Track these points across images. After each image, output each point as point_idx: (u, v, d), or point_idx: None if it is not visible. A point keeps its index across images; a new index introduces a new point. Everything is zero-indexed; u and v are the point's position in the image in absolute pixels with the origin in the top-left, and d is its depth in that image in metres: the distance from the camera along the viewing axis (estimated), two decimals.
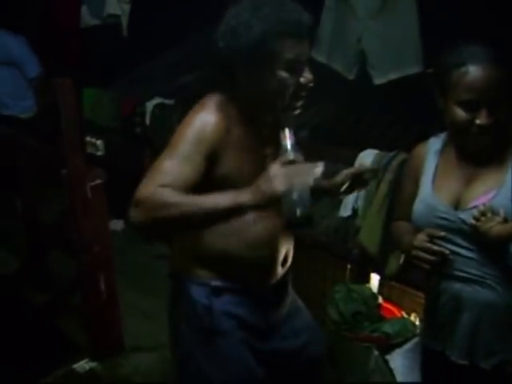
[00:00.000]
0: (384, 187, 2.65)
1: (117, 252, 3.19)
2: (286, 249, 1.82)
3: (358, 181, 1.80)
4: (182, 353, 1.87)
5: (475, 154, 1.65)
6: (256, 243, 1.71)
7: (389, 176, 2.64)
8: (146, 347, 3.22)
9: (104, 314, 3.08)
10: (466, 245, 1.65)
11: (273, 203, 1.48)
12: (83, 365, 3.09)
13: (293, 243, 1.88)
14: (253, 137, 1.68)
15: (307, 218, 1.49)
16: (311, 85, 1.62)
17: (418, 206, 1.74)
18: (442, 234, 1.64)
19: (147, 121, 4.07)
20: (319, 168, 1.47)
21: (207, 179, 1.57)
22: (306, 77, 1.61)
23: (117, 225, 4.37)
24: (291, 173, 1.46)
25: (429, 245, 1.63)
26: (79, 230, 2.86)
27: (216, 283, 1.75)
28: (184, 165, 1.53)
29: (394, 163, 2.64)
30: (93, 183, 2.80)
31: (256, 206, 1.49)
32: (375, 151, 2.91)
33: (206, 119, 1.58)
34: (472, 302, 1.67)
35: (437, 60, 1.66)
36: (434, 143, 1.79)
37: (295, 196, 1.45)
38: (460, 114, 1.56)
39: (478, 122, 1.54)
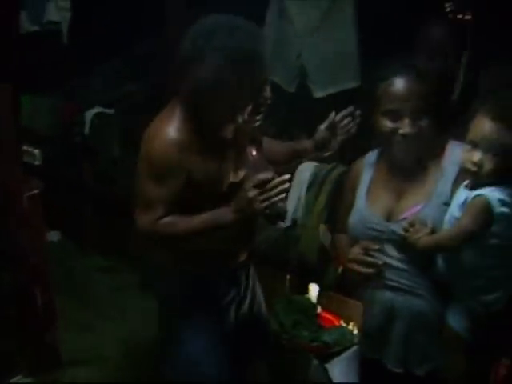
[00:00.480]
0: (323, 198, 2.72)
1: (54, 264, 3.14)
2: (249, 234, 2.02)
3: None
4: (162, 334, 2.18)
5: (404, 167, 1.73)
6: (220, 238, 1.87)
7: (327, 187, 2.71)
8: (84, 360, 3.18)
9: (41, 328, 3.02)
10: (397, 256, 1.72)
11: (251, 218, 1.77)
12: (19, 380, 3.01)
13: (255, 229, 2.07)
14: (217, 141, 1.82)
15: (281, 215, 1.83)
16: (269, 101, 1.76)
17: (353, 218, 1.80)
18: (376, 246, 1.70)
19: (86, 130, 4.01)
20: (286, 179, 1.67)
21: (188, 185, 1.77)
22: (265, 96, 1.75)
23: (54, 236, 4.28)
24: (265, 193, 1.66)
25: (363, 257, 1.69)
26: (14, 242, 2.79)
27: (187, 268, 1.95)
28: (165, 190, 1.74)
29: (333, 175, 2.71)
30: (29, 193, 2.74)
31: (237, 223, 1.75)
32: (314, 163, 2.97)
33: (169, 139, 1.72)
34: (404, 312, 1.74)
35: (366, 77, 1.77)
36: (370, 156, 1.86)
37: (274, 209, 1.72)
38: (385, 123, 1.65)
39: (401, 130, 1.62)
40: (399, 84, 1.64)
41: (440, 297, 1.71)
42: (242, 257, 2.06)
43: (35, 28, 4.73)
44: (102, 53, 5.14)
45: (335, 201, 2.49)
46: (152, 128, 1.77)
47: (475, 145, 1.53)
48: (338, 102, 2.77)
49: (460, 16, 2.99)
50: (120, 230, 4.11)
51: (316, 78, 2.90)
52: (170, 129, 1.73)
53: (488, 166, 1.51)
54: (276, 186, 1.66)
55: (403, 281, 1.72)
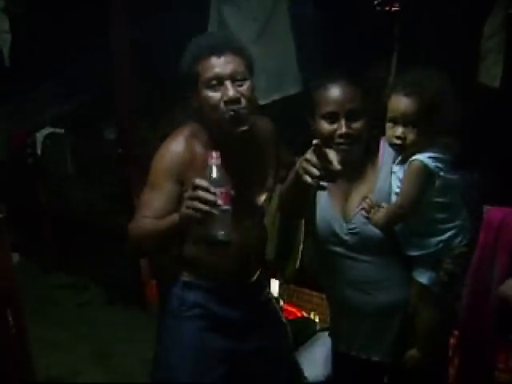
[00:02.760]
0: (276, 199, 2.84)
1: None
2: (251, 253, 1.99)
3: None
4: (160, 341, 2.06)
5: (348, 169, 1.87)
6: (219, 249, 1.82)
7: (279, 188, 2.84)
8: (58, 377, 3.25)
9: (15, 350, 3.05)
10: (359, 253, 1.84)
11: (188, 224, 1.67)
12: None
13: (261, 248, 2.11)
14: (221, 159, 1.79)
15: (223, 241, 1.62)
16: (238, 99, 1.77)
17: (320, 219, 1.90)
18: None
19: (38, 151, 4.06)
20: (213, 199, 1.56)
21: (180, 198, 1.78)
22: (228, 93, 1.76)
23: (12, 258, 4.29)
24: (193, 199, 1.57)
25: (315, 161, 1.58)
26: None
27: (189, 279, 1.98)
28: (158, 195, 1.84)
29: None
30: None
31: (181, 227, 1.71)
32: None
33: (171, 151, 1.86)
34: (372, 309, 1.86)
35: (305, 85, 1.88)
36: None
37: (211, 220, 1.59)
38: (324, 126, 1.79)
39: (338, 131, 1.77)
40: (334, 88, 1.78)
41: (407, 282, 1.82)
42: (244, 277, 2.02)
43: None
44: (41, 74, 5.17)
45: None
46: (161, 144, 1.91)
47: (395, 121, 1.70)
48: (282, 107, 2.95)
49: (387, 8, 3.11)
50: (78, 246, 4.19)
51: (259, 86, 3.01)
52: (174, 143, 1.87)
53: (410, 137, 1.68)
54: (205, 200, 1.56)
55: (369, 276, 1.84)
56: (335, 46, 2.84)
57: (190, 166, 1.84)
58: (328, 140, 1.78)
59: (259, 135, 1.99)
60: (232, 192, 1.64)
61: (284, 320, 2.21)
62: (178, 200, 1.79)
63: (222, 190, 1.59)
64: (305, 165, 1.55)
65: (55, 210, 4.33)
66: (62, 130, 4.06)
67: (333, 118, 1.77)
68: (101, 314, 3.89)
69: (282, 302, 3.16)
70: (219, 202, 1.58)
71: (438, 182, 1.69)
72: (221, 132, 1.83)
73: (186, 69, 1.83)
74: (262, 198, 2.02)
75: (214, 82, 1.78)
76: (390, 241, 1.80)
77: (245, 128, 1.80)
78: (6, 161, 4.33)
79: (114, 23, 3.42)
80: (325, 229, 1.89)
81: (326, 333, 2.65)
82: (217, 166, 1.61)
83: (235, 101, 1.77)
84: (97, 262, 4.10)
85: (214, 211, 1.56)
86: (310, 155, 1.55)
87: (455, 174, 1.74)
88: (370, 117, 1.81)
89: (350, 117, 1.77)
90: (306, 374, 2.61)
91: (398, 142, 1.71)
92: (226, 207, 1.60)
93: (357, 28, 3.05)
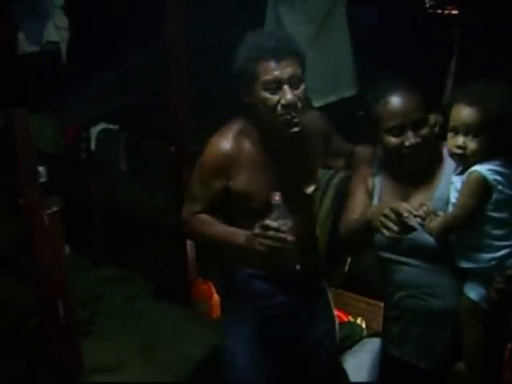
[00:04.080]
0: (327, 202, 2.79)
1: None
2: (305, 241, 2.07)
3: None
4: (225, 333, 2.20)
5: (408, 174, 1.86)
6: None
7: (331, 191, 2.79)
8: (105, 368, 3.30)
9: (64, 339, 3.14)
10: (412, 258, 1.84)
11: (254, 255, 1.82)
12: None
13: (314, 235, 2.20)
14: (268, 158, 1.96)
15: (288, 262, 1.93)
16: (295, 104, 1.83)
17: None
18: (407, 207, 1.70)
19: (92, 146, 4.13)
20: (288, 238, 1.74)
21: (228, 192, 1.98)
22: (286, 97, 1.81)
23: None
24: (265, 238, 1.75)
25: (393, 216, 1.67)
26: (37, 258, 2.91)
27: (251, 271, 2.08)
28: (207, 192, 1.99)
29: (336, 180, 2.82)
30: (49, 211, 2.87)
31: (245, 252, 1.87)
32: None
33: (219, 149, 1.95)
34: (424, 314, 1.86)
35: (363, 99, 1.88)
36: (375, 166, 1.98)
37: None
38: (390, 140, 1.78)
39: (406, 143, 1.76)
40: (396, 100, 1.77)
41: (458, 291, 1.80)
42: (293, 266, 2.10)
43: (33, 48, 4.87)
44: (97, 68, 5.28)
45: (339, 205, 2.59)
46: (211, 139, 1.99)
47: (456, 130, 1.69)
48: (338, 111, 2.93)
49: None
50: (127, 241, 4.26)
51: (315, 87, 3.00)
52: (222, 141, 1.95)
53: (471, 146, 1.66)
54: (277, 239, 1.74)
55: (421, 282, 1.84)
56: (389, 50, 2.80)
57: (237, 163, 1.95)
58: (396, 152, 1.79)
59: (309, 131, 2.03)
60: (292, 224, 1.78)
61: (335, 317, 2.34)
62: (225, 195, 1.98)
63: (288, 225, 1.76)
64: (383, 219, 1.65)
65: (106, 205, 4.41)
66: (116, 126, 4.12)
67: (398, 130, 1.77)
68: (147, 308, 3.94)
69: None
70: (288, 237, 1.74)
71: (495, 196, 1.66)
72: (273, 132, 1.91)
73: (244, 68, 1.86)
74: (311, 188, 2.11)
75: (273, 85, 1.82)
76: (444, 249, 1.78)
77: (297, 130, 1.87)
78: (61, 155, 4.41)
79: (171, 19, 3.43)
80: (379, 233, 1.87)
81: (373, 339, 2.65)
82: (280, 205, 1.77)
83: (292, 105, 1.82)
84: (145, 257, 4.16)
85: (286, 246, 1.75)
86: (387, 211, 1.65)
87: None
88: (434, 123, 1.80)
89: (416, 126, 1.76)
90: (352, 379, 2.60)
91: (459, 151, 1.69)
92: (292, 239, 1.76)
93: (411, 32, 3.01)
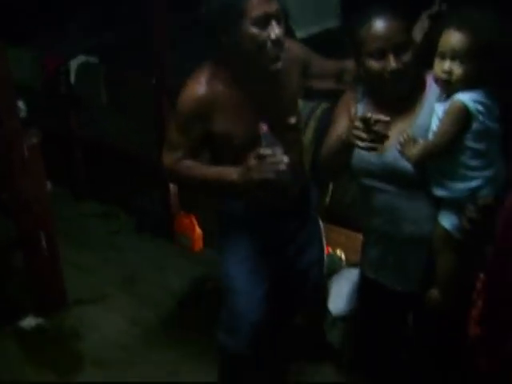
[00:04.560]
0: (309, 133, 2.83)
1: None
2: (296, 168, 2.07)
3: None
4: (223, 258, 2.28)
5: (390, 102, 1.86)
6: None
7: (313, 123, 2.83)
8: (88, 300, 3.37)
9: (47, 271, 3.17)
10: (390, 184, 1.87)
11: (251, 186, 1.84)
12: (29, 321, 3.19)
13: (302, 161, 2.26)
14: (246, 96, 1.96)
15: (287, 188, 1.90)
16: (282, 39, 1.85)
17: (354, 155, 1.92)
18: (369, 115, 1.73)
19: (72, 80, 4.06)
20: (284, 160, 1.77)
21: (209, 135, 1.99)
22: (275, 32, 1.82)
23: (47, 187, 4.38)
24: (261, 166, 1.78)
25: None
26: (18, 190, 2.91)
27: (248, 201, 2.11)
28: (187, 137, 1.98)
29: (318, 112, 2.82)
30: (29, 143, 2.84)
31: (240, 186, 1.88)
32: (300, 101, 3.08)
33: (194, 94, 1.94)
34: (399, 238, 1.91)
35: (348, 23, 1.86)
36: (358, 95, 1.98)
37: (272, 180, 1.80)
38: (372, 64, 1.77)
39: (388, 68, 1.75)
40: (379, 24, 1.75)
41: (433, 218, 1.84)
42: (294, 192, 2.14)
43: None
44: (77, 4, 5.13)
45: (320, 137, 2.60)
46: (186, 83, 1.98)
47: (443, 56, 1.68)
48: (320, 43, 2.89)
49: None
50: (109, 176, 4.25)
51: (297, 18, 2.96)
52: (196, 86, 1.95)
53: (457, 72, 1.66)
54: (274, 163, 1.78)
55: (398, 208, 1.88)
56: None
57: (215, 105, 1.96)
58: (377, 77, 1.78)
59: (284, 62, 1.99)
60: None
61: (324, 241, 2.43)
62: (206, 137, 2.00)
63: (280, 150, 1.80)
64: (355, 131, 1.69)
65: (87, 140, 4.36)
66: (97, 59, 4.04)
67: (380, 54, 1.75)
68: (129, 242, 3.98)
69: None
70: (284, 159, 1.77)
71: (475, 126, 1.67)
72: (253, 69, 1.91)
73: (230, 3, 1.82)
74: (293, 119, 2.10)
75: (262, 20, 1.81)
76: (421, 176, 1.81)
77: (280, 66, 1.89)
78: (40, 89, 4.33)
79: None
80: (356, 158, 1.91)
81: (352, 269, 2.71)
82: (268, 134, 1.81)
83: (281, 40, 1.84)
84: (128, 192, 4.16)
85: (285, 167, 1.77)
86: (358, 122, 1.68)
87: (496, 123, 1.71)
88: (417, 49, 1.79)
89: (398, 51, 1.75)
90: (331, 307, 2.67)
91: (444, 76, 1.69)
92: (288, 161, 1.79)
93: None
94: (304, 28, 2.95)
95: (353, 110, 1.90)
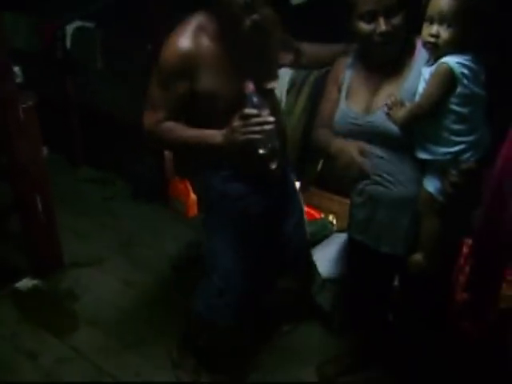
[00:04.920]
0: (302, 100, 2.85)
1: None
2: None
3: None
4: (206, 232, 2.27)
5: (380, 65, 1.89)
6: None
7: (307, 89, 2.84)
8: (84, 263, 3.41)
9: (43, 234, 3.21)
10: (377, 147, 1.91)
11: (237, 149, 1.81)
12: (26, 282, 3.24)
13: (283, 131, 2.20)
14: (231, 53, 1.89)
15: (273, 153, 1.85)
16: None
17: (336, 116, 1.98)
18: (367, 148, 1.90)
19: (68, 44, 4.05)
20: (270, 120, 1.77)
21: (193, 94, 1.90)
22: None
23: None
24: (246, 127, 1.76)
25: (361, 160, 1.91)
26: (14, 153, 2.91)
27: (228, 172, 2.10)
28: (169, 94, 1.89)
29: (311, 78, 2.83)
30: (25, 105, 2.85)
31: (225, 149, 1.86)
32: (291, 70, 3.09)
33: (179, 48, 1.85)
34: (386, 200, 1.95)
35: None
36: (350, 59, 2.02)
37: (259, 140, 1.78)
38: (362, 26, 1.81)
39: (377, 30, 1.78)
40: None
41: (418, 181, 1.89)
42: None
43: None
44: None
45: (314, 103, 2.62)
46: (168, 38, 1.91)
47: (431, 20, 1.71)
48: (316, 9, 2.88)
49: None
50: (106, 142, 4.27)
51: None
52: (181, 39, 1.86)
53: (444, 35, 1.69)
54: (260, 124, 1.76)
55: (384, 170, 1.92)
56: None
57: (199, 61, 1.87)
58: (367, 39, 1.81)
59: (265, 25, 1.96)
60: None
61: (304, 210, 2.44)
62: (189, 96, 1.90)
63: (266, 111, 1.78)
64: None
65: (83, 106, 4.37)
66: (93, 25, 4.02)
67: (371, 16, 1.78)
68: (125, 208, 4.02)
69: None
70: (270, 118, 1.76)
71: (459, 89, 1.70)
72: (233, 20, 1.80)
73: None
74: (272, 83, 2.06)
75: None
76: (407, 139, 1.84)
77: (256, 18, 1.80)
78: (37, 54, 4.31)
79: None
80: (342, 119, 1.96)
81: (342, 234, 2.75)
82: (255, 93, 1.77)
83: None
84: (123, 158, 4.18)
85: (271, 128, 1.76)
86: (237, 122, 1.80)
87: (481, 88, 1.74)
88: (407, 13, 1.81)
89: (389, 14, 1.77)
90: (321, 270, 2.72)
91: (431, 39, 1.71)
92: (273, 119, 1.78)
93: None
94: None
95: (340, 78, 1.94)
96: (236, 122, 1.78)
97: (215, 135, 1.87)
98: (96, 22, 4.09)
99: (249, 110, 1.76)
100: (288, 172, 2.33)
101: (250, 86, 1.77)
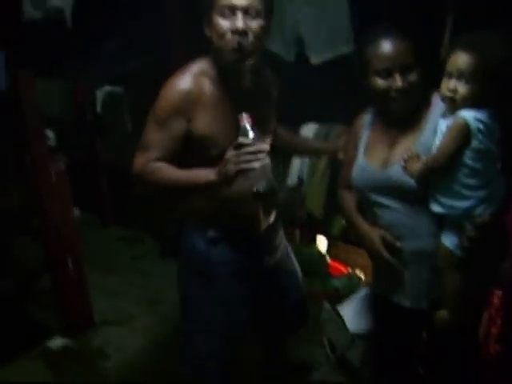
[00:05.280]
0: (325, 157, 2.90)
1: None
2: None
3: None
4: (182, 295, 2.13)
5: (397, 120, 1.93)
6: (239, 199, 1.91)
7: None
8: (114, 321, 3.44)
9: (74, 293, 3.25)
10: (395, 200, 1.91)
11: (231, 182, 1.72)
12: (56, 341, 3.26)
13: None
14: (229, 97, 1.89)
15: (270, 191, 1.73)
16: (245, 31, 1.77)
17: (355, 172, 2.01)
18: (398, 244, 1.91)
19: (98, 109, 4.20)
20: (264, 148, 1.68)
21: (188, 138, 1.85)
22: (236, 24, 1.77)
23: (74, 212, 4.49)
24: (240, 156, 1.66)
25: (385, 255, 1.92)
26: (45, 214, 2.99)
27: (214, 234, 1.99)
28: (165, 134, 1.82)
29: (333, 135, 2.89)
30: (56, 168, 2.94)
31: (220, 184, 1.75)
32: (315, 125, 3.16)
33: (178, 88, 1.83)
34: (407, 254, 1.93)
35: (356, 42, 1.92)
36: (367, 117, 2.06)
37: (254, 175, 1.68)
38: (379, 82, 1.84)
39: (394, 86, 1.82)
40: (386, 44, 1.82)
41: (437, 232, 1.87)
42: (265, 222, 2.07)
43: (38, 15, 4.87)
44: (104, 32, 5.27)
45: (337, 159, 2.65)
46: (171, 77, 1.88)
47: (450, 75, 1.74)
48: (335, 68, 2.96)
49: None
50: (134, 202, 4.34)
51: (313, 44, 3.01)
52: (181, 80, 1.84)
53: (461, 91, 1.71)
54: (254, 153, 1.66)
55: (402, 224, 1.92)
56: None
57: (198, 103, 1.84)
58: (383, 95, 1.85)
59: (266, 83, 2.04)
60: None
61: (297, 266, 2.31)
62: (185, 139, 1.85)
63: (259, 142, 1.70)
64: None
65: (113, 167, 4.48)
66: (121, 89, 4.18)
67: (387, 73, 1.82)
68: (153, 266, 4.07)
69: (328, 259, 3.22)
70: (263, 147, 1.68)
71: (474, 143, 1.72)
72: (226, 63, 1.82)
73: None
74: (268, 143, 1.99)
75: (227, 11, 1.78)
76: (424, 193, 1.85)
77: (249, 62, 1.82)
78: (70, 117, 4.46)
79: None
80: (360, 175, 1.97)
81: (369, 288, 2.73)
82: (251, 125, 1.69)
83: (242, 32, 1.77)
84: (152, 217, 4.24)
85: (262, 162, 1.67)
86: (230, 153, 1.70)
87: (496, 145, 1.76)
88: (423, 70, 1.85)
89: (404, 71, 1.81)
90: (349, 326, 2.70)
91: (449, 94, 1.74)
92: (267, 148, 1.70)
93: None
94: (318, 54, 3.00)
95: (358, 134, 1.98)
96: (229, 153, 1.69)
97: (208, 173, 1.78)
98: (124, 86, 4.25)
99: (243, 139, 1.67)
100: (279, 232, 2.22)
101: (245, 117, 1.70)
